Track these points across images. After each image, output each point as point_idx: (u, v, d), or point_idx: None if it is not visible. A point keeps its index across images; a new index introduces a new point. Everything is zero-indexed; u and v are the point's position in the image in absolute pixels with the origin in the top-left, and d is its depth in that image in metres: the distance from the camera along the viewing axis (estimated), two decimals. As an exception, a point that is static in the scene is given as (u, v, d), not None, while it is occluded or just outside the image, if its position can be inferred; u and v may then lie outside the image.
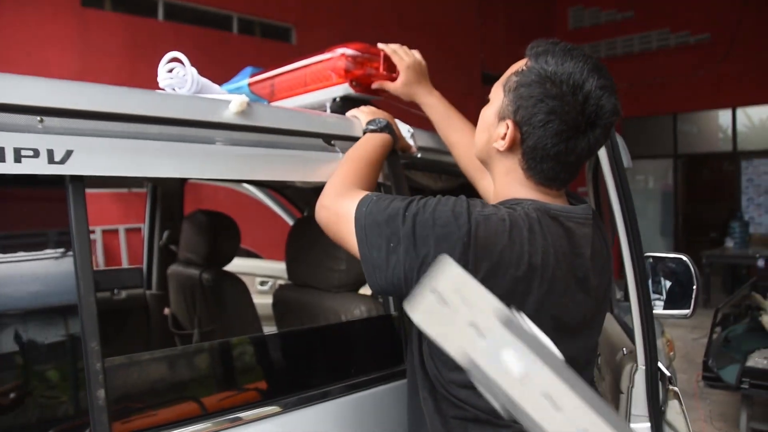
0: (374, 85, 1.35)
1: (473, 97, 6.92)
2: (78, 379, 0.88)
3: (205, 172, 1.08)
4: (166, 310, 2.28)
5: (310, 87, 1.46)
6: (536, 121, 0.90)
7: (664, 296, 1.73)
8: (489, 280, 0.83)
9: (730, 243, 7.34)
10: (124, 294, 2.34)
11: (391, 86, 1.35)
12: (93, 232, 5.13)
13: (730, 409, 3.75)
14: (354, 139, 1.20)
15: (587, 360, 1.00)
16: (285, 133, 1.15)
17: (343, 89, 1.35)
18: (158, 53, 1.27)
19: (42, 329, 0.89)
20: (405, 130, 1.30)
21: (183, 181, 2.44)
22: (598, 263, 0.95)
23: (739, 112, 8.85)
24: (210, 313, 1.96)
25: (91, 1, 5.26)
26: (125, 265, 5.01)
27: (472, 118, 1.15)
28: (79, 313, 0.88)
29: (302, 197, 2.69)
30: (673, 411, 1.16)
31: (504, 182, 0.99)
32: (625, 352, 1.31)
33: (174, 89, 1.25)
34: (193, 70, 1.24)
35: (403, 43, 1.38)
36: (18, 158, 0.82)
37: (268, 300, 1.70)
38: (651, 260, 1.75)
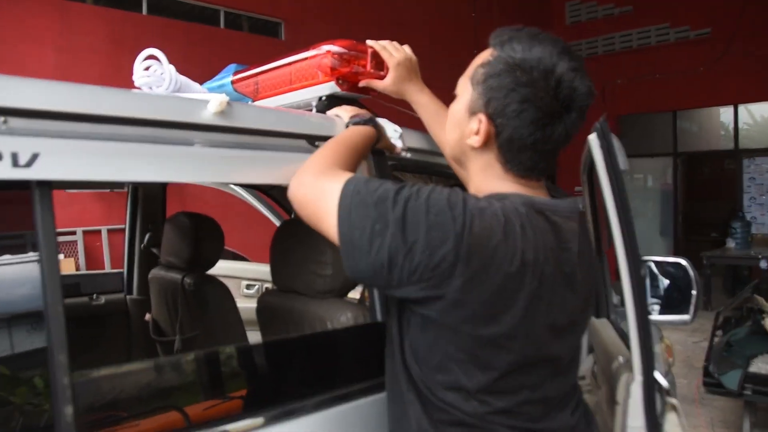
0: (362, 83, 1.30)
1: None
2: (44, 394, 0.84)
3: (182, 175, 1.04)
4: (147, 316, 2.23)
5: (296, 85, 1.42)
6: (510, 112, 0.87)
7: (662, 301, 1.70)
8: (480, 275, 0.81)
9: (731, 243, 7.29)
10: (103, 299, 2.29)
11: (380, 84, 1.30)
12: (74, 233, 5.06)
13: (733, 416, 3.68)
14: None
15: (572, 359, 0.97)
16: (267, 134, 1.11)
17: (329, 87, 1.31)
18: (142, 49, 1.23)
19: (5, 340, 0.85)
20: (392, 130, 1.26)
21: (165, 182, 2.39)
22: (585, 259, 0.94)
23: (741, 109, 8.79)
24: (192, 318, 1.92)
25: (72, -5, 5.19)
26: (108, 267, 4.94)
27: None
28: (45, 324, 0.84)
29: (289, 198, 2.64)
30: (671, 424, 1.12)
31: (482, 178, 0.96)
32: (621, 361, 1.26)
33: (151, 88, 1.21)
34: (171, 68, 1.19)
35: (395, 39, 1.33)
36: (-21, 161, 0.78)
37: (254, 304, 1.66)
38: (649, 264, 1.71)
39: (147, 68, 1.19)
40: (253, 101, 1.59)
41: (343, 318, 1.37)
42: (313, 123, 1.18)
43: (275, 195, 2.72)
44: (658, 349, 2.30)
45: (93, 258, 5.21)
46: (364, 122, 1.14)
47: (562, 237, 0.89)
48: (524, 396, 0.88)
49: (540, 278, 0.84)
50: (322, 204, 0.89)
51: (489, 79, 0.89)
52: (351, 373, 1.17)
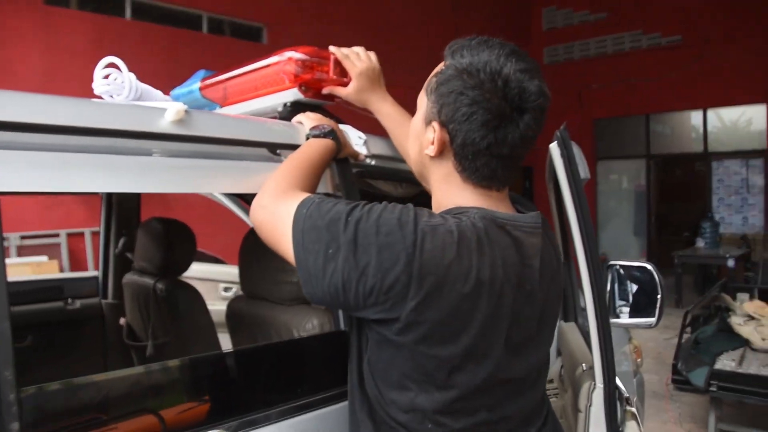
0: (324, 91, 1.29)
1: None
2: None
3: (138, 185, 1.02)
4: (122, 320, 2.19)
5: (261, 92, 1.40)
6: (460, 116, 0.86)
7: (631, 305, 1.71)
8: (433, 295, 0.78)
9: (701, 243, 7.45)
10: (78, 303, 2.25)
11: (343, 92, 1.29)
12: (58, 235, 5.02)
13: (700, 411, 3.77)
14: (301, 148, 1.14)
15: (537, 376, 0.95)
16: (226, 143, 1.08)
17: (293, 94, 1.29)
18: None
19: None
20: (356, 136, 1.25)
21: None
22: (547, 274, 0.91)
23: (710, 113, 9.00)
24: (164, 324, 1.89)
25: (55, 0, 5.12)
26: (91, 269, 4.88)
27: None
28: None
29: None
30: (631, 431, 1.12)
31: (443, 190, 0.94)
32: (584, 368, 1.27)
33: (111, 96, 1.18)
34: (131, 76, 1.17)
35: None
36: None
37: (230, 308, 1.64)
38: (618, 268, 1.73)
39: (106, 76, 1.16)
40: (222, 107, 1.56)
41: (308, 325, 1.35)
42: (274, 131, 1.16)
43: (250, 199, 2.69)
44: (627, 349, 2.33)
45: (77, 260, 5.18)
46: (324, 135, 1.12)
47: (525, 253, 0.87)
48: (482, 417, 0.85)
49: (498, 296, 0.82)
50: (278, 229, 0.88)
51: (440, 87, 0.89)
52: (315, 382, 1.16)
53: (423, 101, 0.94)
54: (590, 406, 1.09)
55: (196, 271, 2.07)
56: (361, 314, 0.84)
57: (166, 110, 1.02)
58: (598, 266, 1.05)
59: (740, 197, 8.69)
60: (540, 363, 0.95)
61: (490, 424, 0.87)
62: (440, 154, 0.91)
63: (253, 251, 1.55)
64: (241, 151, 1.10)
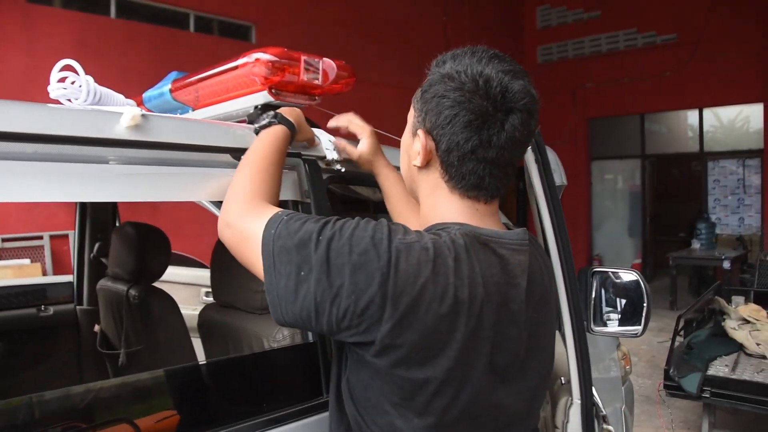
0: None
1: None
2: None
3: (90, 194, 0.97)
4: (96, 327, 2.15)
5: (233, 94, 1.36)
6: (443, 120, 0.83)
7: (620, 314, 1.68)
8: (409, 316, 0.74)
9: (696, 244, 7.43)
10: (51, 310, 2.20)
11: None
12: (41, 237, 4.96)
13: (693, 416, 3.73)
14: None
15: (528, 409, 0.89)
16: (186, 148, 1.04)
17: (263, 96, 1.24)
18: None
19: None
20: (326, 140, 1.21)
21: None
22: (536, 294, 0.86)
23: (707, 112, 8.96)
24: (137, 331, 1.84)
25: (37, -2, 5.06)
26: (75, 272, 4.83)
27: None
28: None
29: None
30: (608, 450, 1.08)
31: (430, 202, 0.90)
32: (562, 382, 1.23)
33: (69, 100, 1.13)
34: (89, 79, 1.12)
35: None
36: None
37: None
38: (603, 275, 1.69)
39: (62, 79, 1.11)
40: (194, 110, 1.52)
41: (279, 336, 1.31)
42: (237, 135, 1.12)
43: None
44: (615, 356, 2.29)
45: (60, 262, 5.11)
46: (270, 122, 1.08)
47: (510, 271, 0.83)
48: None
49: (478, 317, 0.78)
50: (249, 249, 0.86)
51: (424, 94, 0.88)
52: (284, 395, 1.12)
53: (410, 114, 0.92)
54: (567, 422, 1.05)
55: (177, 275, 2.02)
56: (337, 338, 0.81)
57: (122, 115, 0.97)
58: (574, 278, 1.00)
59: (736, 198, 8.65)
60: (531, 393, 0.89)
61: None
62: (427, 163, 0.88)
63: (224, 259, 1.51)
64: (201, 157, 1.06)
